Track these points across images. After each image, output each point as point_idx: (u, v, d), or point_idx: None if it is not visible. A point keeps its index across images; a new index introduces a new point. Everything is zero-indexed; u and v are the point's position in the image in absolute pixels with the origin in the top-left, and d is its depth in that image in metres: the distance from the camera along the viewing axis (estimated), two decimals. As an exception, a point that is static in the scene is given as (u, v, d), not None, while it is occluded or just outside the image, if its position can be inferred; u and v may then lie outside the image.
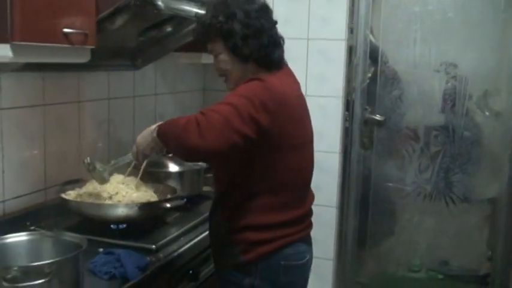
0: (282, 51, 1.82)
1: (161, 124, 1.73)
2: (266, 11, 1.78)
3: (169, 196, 2.06)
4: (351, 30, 3.08)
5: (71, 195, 2.01)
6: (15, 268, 1.29)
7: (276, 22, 1.80)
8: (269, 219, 1.72)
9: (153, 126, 1.75)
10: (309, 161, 1.86)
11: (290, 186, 1.76)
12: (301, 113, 1.79)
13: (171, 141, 1.68)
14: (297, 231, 1.78)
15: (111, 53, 2.34)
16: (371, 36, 3.13)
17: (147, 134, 1.77)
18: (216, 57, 1.78)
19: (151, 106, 2.84)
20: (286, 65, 1.85)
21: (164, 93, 2.93)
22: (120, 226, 1.95)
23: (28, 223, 1.92)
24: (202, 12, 2.00)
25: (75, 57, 1.71)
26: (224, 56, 1.75)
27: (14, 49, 1.45)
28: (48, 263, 1.33)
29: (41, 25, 1.52)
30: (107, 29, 1.90)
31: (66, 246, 1.48)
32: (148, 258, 1.71)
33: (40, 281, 1.29)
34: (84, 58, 1.74)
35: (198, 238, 2.00)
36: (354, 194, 3.26)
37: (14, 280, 1.27)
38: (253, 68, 1.75)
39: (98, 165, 1.96)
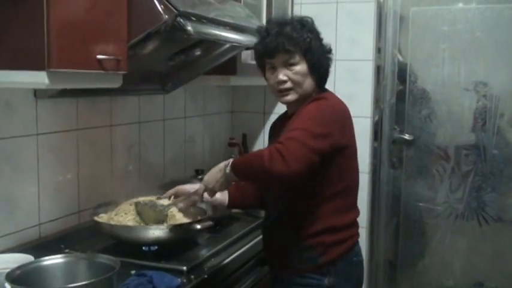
0: None
1: (235, 161, 1.80)
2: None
3: (199, 218, 2.07)
4: (379, 50, 3.09)
5: (103, 217, 2.04)
6: (52, 290, 1.32)
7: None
8: (341, 221, 1.88)
9: (222, 165, 1.82)
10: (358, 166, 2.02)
11: (353, 189, 1.96)
12: (351, 125, 1.94)
13: (253, 173, 1.76)
14: (357, 231, 1.98)
15: (142, 78, 2.39)
16: (399, 56, 3.13)
17: (216, 171, 1.84)
18: (290, 66, 1.86)
19: (181, 129, 2.87)
20: None
21: (193, 115, 2.97)
22: (152, 248, 1.97)
23: (62, 246, 1.96)
24: (233, 36, 2.15)
25: (108, 82, 1.75)
26: (301, 68, 1.86)
27: (50, 76, 1.49)
28: (83, 285, 1.36)
29: (76, 53, 1.56)
30: (138, 54, 1.95)
31: (100, 268, 1.51)
32: (179, 280, 1.72)
33: (75, 303, 1.33)
34: (116, 83, 1.78)
35: (229, 259, 2.01)
36: (383, 214, 3.23)
37: (50, 301, 1.30)
38: (313, 84, 1.90)
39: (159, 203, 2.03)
